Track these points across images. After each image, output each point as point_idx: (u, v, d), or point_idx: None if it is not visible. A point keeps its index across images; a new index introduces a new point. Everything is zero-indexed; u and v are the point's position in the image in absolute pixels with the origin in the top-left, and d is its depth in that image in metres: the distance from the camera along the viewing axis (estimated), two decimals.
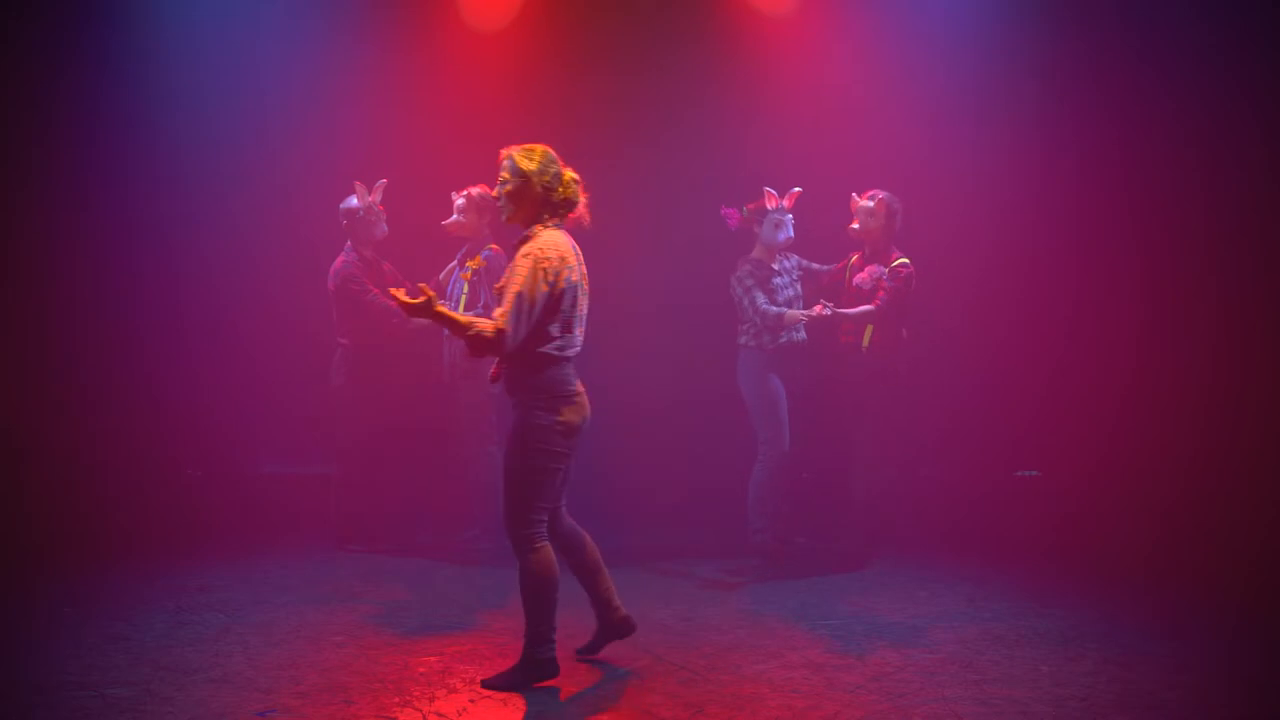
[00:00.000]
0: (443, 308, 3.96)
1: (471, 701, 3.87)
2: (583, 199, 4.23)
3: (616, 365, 6.54)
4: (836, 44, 6.83)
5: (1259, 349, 6.06)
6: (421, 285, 3.97)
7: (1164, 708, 3.80)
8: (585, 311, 4.18)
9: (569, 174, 4.18)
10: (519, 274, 3.97)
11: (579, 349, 4.16)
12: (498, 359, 4.09)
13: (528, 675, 4.06)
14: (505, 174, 4.15)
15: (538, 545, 4.05)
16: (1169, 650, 4.39)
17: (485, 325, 3.94)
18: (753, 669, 4.22)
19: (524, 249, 4.04)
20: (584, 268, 4.19)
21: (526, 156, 4.12)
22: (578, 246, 4.21)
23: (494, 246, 6.03)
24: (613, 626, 4.37)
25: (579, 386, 4.15)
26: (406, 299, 3.93)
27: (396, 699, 3.88)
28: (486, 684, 4.06)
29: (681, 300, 6.61)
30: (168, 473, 6.83)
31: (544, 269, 3.97)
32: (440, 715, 3.75)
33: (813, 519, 6.35)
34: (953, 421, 6.83)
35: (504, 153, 4.18)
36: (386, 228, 6.20)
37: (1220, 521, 5.85)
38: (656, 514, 6.69)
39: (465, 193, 6.03)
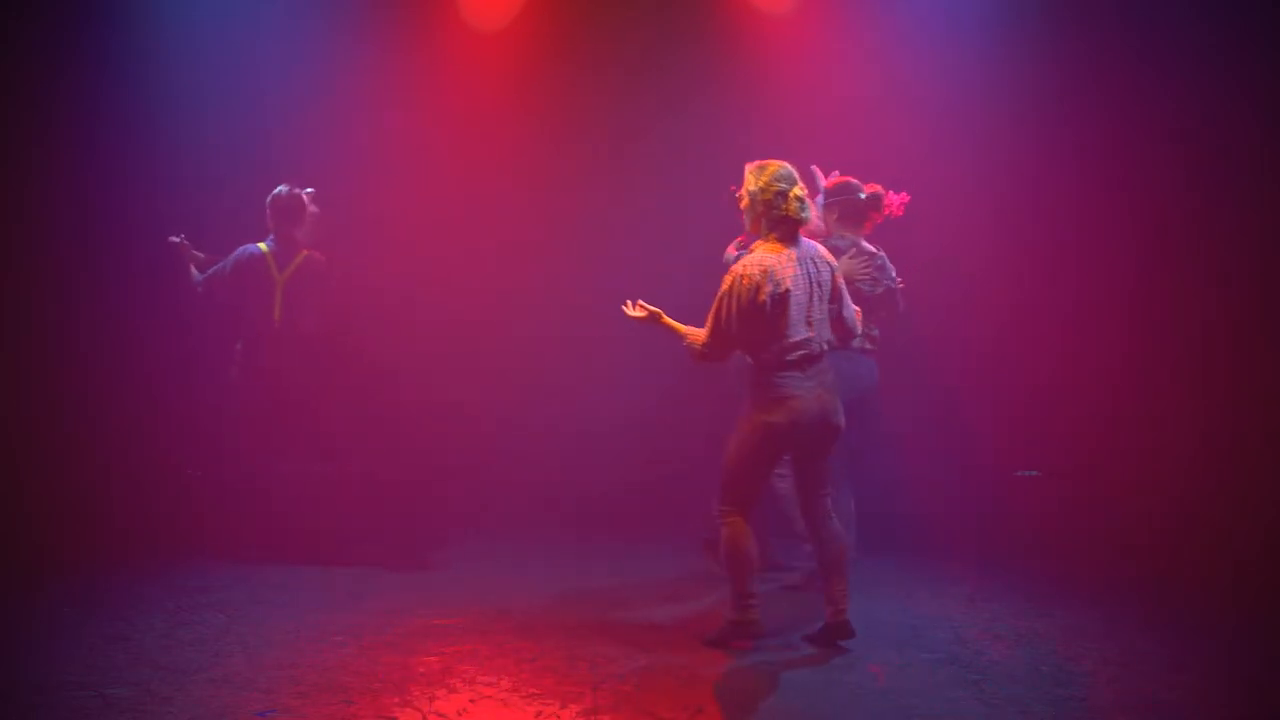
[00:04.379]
0: (669, 320, 4.58)
1: (472, 701, 3.87)
2: (814, 214, 4.61)
3: (630, 365, 6.57)
4: (836, 43, 6.84)
5: (1259, 349, 6.06)
6: (640, 303, 4.60)
7: (1164, 708, 3.80)
8: (803, 313, 4.40)
9: (796, 193, 4.42)
10: (720, 291, 4.42)
11: (796, 353, 4.38)
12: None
13: (724, 634, 4.51)
14: (742, 189, 4.55)
15: (728, 520, 4.49)
16: (1169, 650, 4.39)
17: (695, 337, 4.49)
18: (753, 669, 4.22)
19: (734, 266, 4.45)
20: (820, 272, 4.46)
21: (755, 174, 4.48)
22: (818, 252, 4.52)
23: (305, 252, 6.04)
24: (829, 627, 4.54)
25: (790, 389, 4.38)
26: (637, 313, 4.59)
27: (396, 699, 3.88)
28: (707, 641, 4.53)
29: (687, 301, 6.61)
30: (168, 473, 6.82)
31: (742, 285, 4.34)
32: (440, 715, 3.75)
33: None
34: (953, 421, 6.83)
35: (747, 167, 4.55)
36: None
37: (1220, 521, 5.85)
38: (655, 514, 6.69)
39: None
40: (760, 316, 4.34)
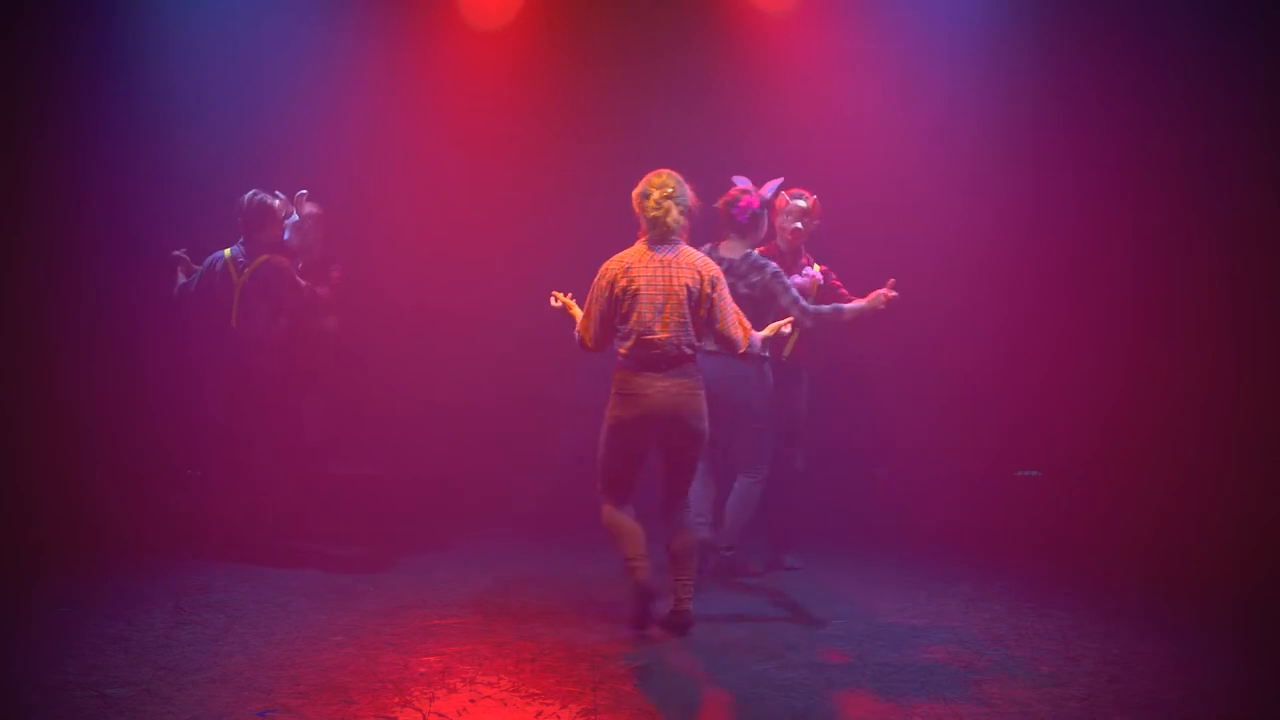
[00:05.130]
0: (575, 309, 4.80)
1: (472, 701, 3.87)
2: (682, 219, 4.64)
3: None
4: (836, 44, 6.85)
5: (1259, 350, 6.06)
6: (556, 293, 4.85)
7: (1164, 708, 3.80)
8: (658, 314, 4.53)
9: (656, 195, 4.60)
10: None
11: (652, 352, 4.54)
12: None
13: (633, 603, 4.68)
14: None
15: (603, 507, 4.72)
16: (1169, 650, 4.39)
17: (579, 327, 4.73)
18: (753, 669, 4.22)
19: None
20: (680, 278, 4.56)
21: (644, 182, 4.67)
22: (688, 259, 4.61)
23: (265, 256, 5.98)
24: (670, 616, 4.68)
25: (640, 386, 4.56)
26: (555, 304, 4.85)
27: (396, 699, 3.88)
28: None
29: None
30: (168, 473, 6.82)
31: (600, 279, 4.62)
32: (440, 715, 3.75)
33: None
34: (952, 421, 6.84)
35: None
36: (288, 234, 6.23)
37: (1220, 521, 5.85)
38: (656, 514, 6.68)
39: None
40: (614, 310, 4.60)
